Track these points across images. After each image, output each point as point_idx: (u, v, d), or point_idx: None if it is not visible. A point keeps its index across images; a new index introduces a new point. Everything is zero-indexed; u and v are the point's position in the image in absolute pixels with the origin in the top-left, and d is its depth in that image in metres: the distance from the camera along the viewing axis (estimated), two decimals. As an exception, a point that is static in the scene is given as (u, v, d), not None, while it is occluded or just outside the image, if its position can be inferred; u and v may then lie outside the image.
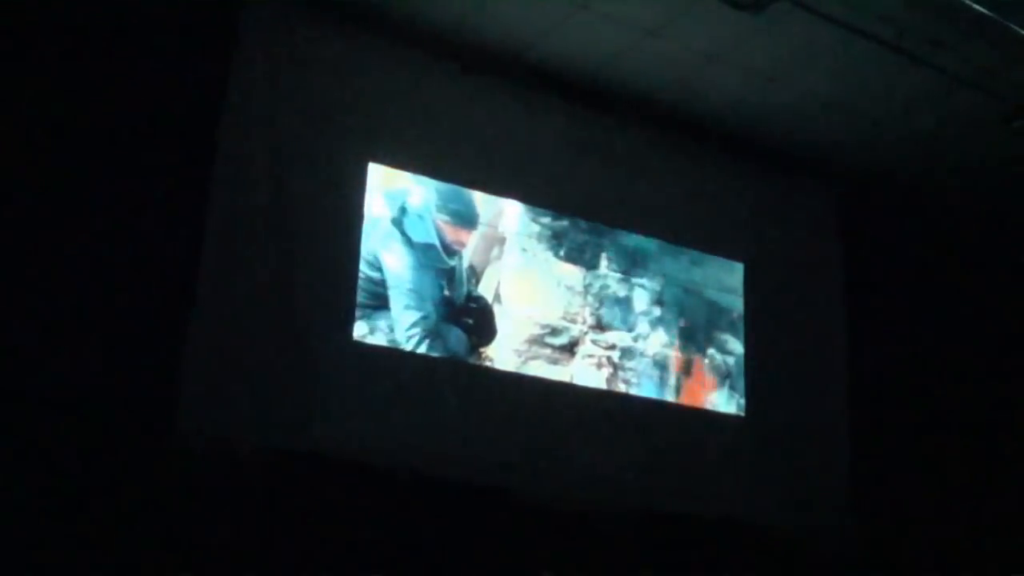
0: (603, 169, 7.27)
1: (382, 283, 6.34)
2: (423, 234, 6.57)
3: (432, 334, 6.42)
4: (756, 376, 7.55)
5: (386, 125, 6.55)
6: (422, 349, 6.37)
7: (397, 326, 6.32)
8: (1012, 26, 6.05)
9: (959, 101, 6.89)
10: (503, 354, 6.64)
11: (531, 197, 6.97)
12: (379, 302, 6.31)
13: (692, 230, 7.56)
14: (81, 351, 5.46)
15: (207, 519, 5.54)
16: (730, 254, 7.72)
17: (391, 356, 6.30)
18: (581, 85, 7.08)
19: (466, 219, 6.76)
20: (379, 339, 6.24)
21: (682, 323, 7.37)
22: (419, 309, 6.41)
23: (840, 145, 7.71)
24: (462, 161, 6.77)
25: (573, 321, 6.92)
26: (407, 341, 6.34)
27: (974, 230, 8.59)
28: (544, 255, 6.96)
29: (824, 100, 7.13)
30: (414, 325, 6.38)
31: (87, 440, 5.37)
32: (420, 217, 6.57)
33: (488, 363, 6.58)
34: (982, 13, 5.95)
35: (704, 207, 7.66)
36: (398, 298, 6.36)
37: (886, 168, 7.99)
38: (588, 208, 7.16)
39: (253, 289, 5.94)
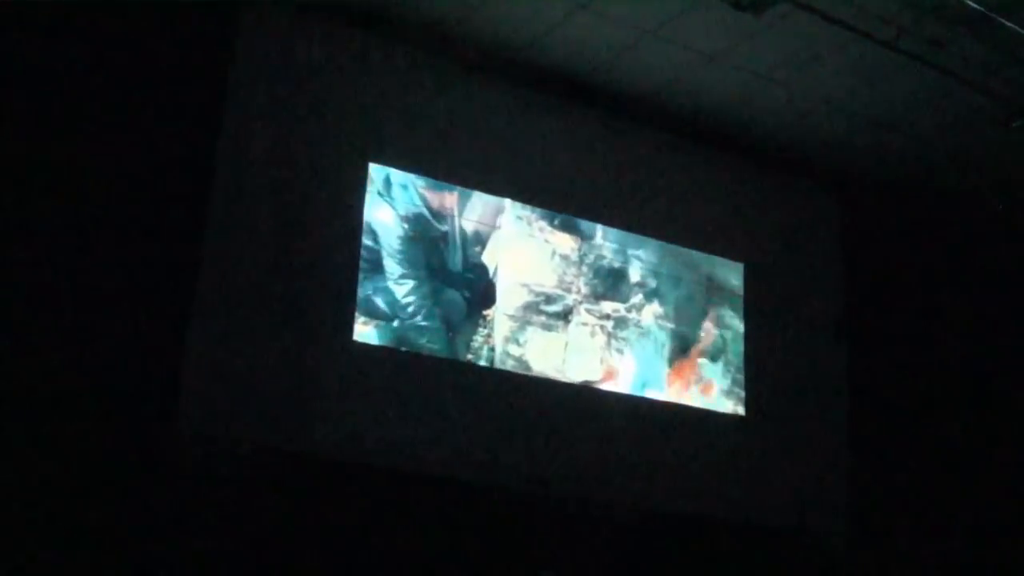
0: (603, 169, 7.27)
1: (378, 252, 6.39)
2: (410, 204, 6.59)
3: (429, 300, 6.47)
4: (756, 376, 7.55)
5: (386, 125, 6.56)
6: (420, 317, 6.42)
7: (395, 294, 6.38)
8: (1012, 26, 6.04)
9: (959, 101, 6.89)
10: (499, 319, 6.68)
11: (531, 197, 6.97)
12: (377, 268, 6.37)
13: (692, 230, 7.57)
14: (82, 351, 5.46)
15: (207, 518, 5.54)
16: (730, 254, 7.73)
17: (391, 356, 6.30)
18: (581, 85, 7.08)
19: (447, 184, 6.76)
20: (380, 302, 6.30)
21: (677, 295, 7.38)
22: (413, 278, 6.46)
23: (840, 145, 7.71)
24: (462, 161, 6.78)
25: (568, 290, 6.96)
26: (406, 308, 6.39)
27: (974, 230, 8.57)
28: (539, 224, 6.98)
29: (824, 100, 7.13)
30: (410, 293, 6.43)
31: (87, 440, 5.37)
32: (403, 187, 6.58)
33: (488, 328, 6.62)
34: (982, 13, 5.95)
35: (704, 207, 7.67)
36: (392, 268, 6.42)
37: (886, 168, 7.99)
38: (587, 208, 7.17)
39: (253, 290, 5.95)
